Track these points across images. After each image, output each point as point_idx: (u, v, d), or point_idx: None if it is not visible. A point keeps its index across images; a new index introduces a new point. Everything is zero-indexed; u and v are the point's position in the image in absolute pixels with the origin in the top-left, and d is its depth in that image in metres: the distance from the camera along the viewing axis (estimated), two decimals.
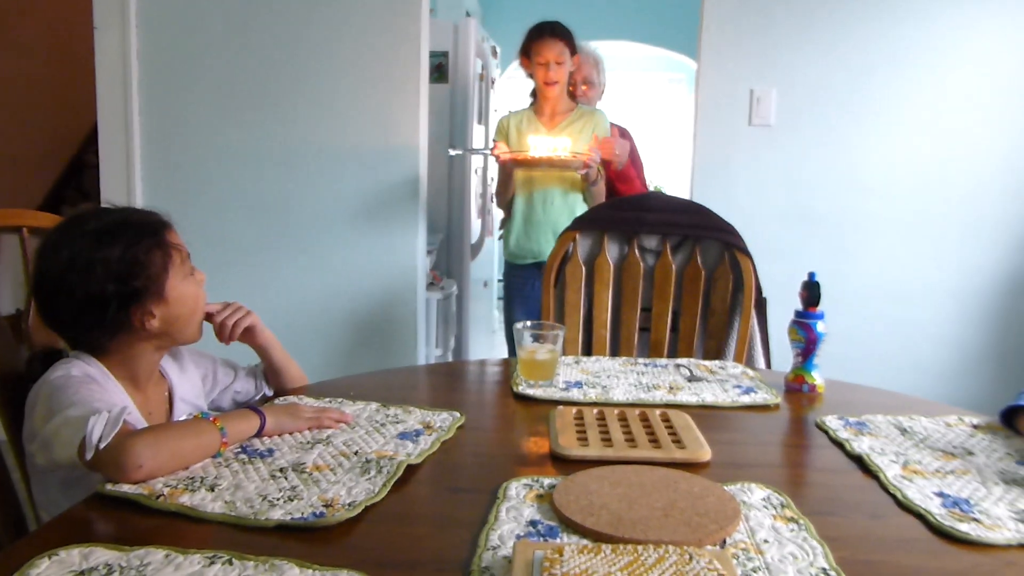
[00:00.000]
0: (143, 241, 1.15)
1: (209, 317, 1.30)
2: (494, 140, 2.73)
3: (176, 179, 2.74)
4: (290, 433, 1.14)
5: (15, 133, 4.27)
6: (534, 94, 2.78)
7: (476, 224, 3.92)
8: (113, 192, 2.68)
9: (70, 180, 4.59)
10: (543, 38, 2.63)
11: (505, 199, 2.79)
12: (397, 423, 1.20)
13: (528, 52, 2.67)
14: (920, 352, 2.76)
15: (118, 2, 2.63)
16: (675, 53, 6.11)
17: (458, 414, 1.25)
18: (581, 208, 2.65)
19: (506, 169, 2.69)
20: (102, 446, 0.96)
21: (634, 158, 2.96)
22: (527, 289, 2.76)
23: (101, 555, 0.79)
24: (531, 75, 2.71)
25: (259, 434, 1.11)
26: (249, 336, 1.34)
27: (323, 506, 0.91)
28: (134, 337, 1.17)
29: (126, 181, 2.69)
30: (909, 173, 2.70)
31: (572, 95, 2.89)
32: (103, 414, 0.98)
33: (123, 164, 2.69)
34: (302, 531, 0.86)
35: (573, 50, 2.66)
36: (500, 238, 3.05)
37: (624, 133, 2.96)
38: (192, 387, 1.31)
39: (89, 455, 0.96)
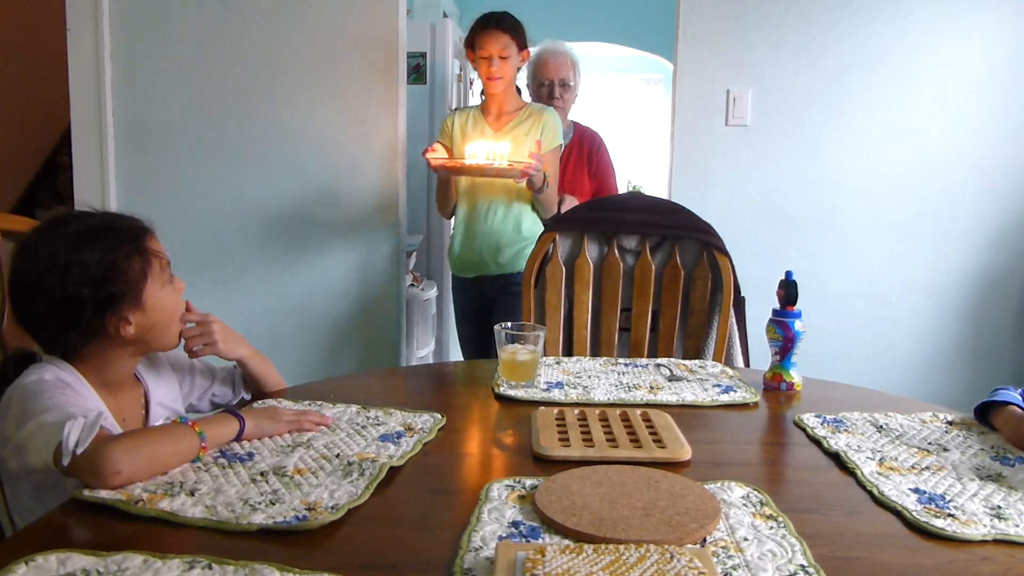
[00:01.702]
0: (123, 247, 1.14)
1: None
2: (437, 142, 2.49)
3: (151, 180, 2.71)
4: (269, 436, 1.13)
5: None
6: (484, 92, 2.57)
7: None
8: (87, 194, 2.65)
9: (43, 182, 4.53)
10: (487, 30, 2.41)
11: (447, 208, 2.58)
12: (378, 425, 1.20)
13: (472, 44, 2.46)
14: (896, 350, 2.79)
15: (90, 3, 2.60)
16: (651, 54, 6.13)
17: (439, 415, 1.25)
18: (529, 219, 2.49)
19: (440, 176, 2.46)
20: (79, 452, 0.95)
21: (606, 165, 2.88)
22: (472, 304, 2.61)
23: (78, 561, 0.78)
24: (477, 70, 2.50)
25: (238, 438, 1.11)
26: (219, 353, 1.33)
27: (305, 509, 0.90)
28: (108, 343, 1.15)
29: (100, 183, 2.66)
30: (884, 172, 2.73)
31: (550, 97, 2.83)
32: (79, 419, 0.97)
33: (97, 166, 2.66)
34: (284, 535, 0.86)
35: (521, 44, 2.46)
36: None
37: (595, 139, 2.90)
38: (169, 391, 1.30)
39: (66, 461, 0.95)
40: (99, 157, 2.65)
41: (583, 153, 2.85)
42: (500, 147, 2.30)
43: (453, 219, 2.59)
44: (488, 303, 2.56)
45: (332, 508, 0.91)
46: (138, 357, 1.23)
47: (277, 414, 1.16)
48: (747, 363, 2.05)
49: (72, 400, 1.05)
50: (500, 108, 2.50)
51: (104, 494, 0.93)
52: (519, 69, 2.53)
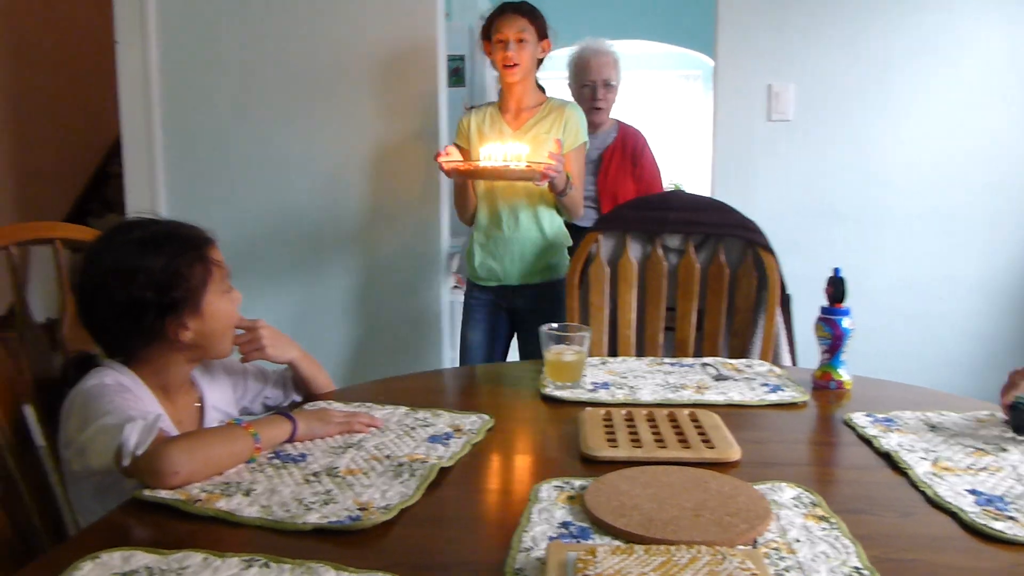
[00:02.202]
0: (186, 254, 1.18)
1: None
2: (453, 143, 2.32)
3: (199, 187, 2.77)
4: (321, 438, 1.15)
5: (39, 147, 4.33)
6: (501, 85, 2.37)
7: None
8: (137, 202, 2.72)
9: (94, 192, 4.65)
10: (503, 15, 2.25)
11: (467, 214, 2.38)
12: (427, 426, 1.21)
13: (488, 33, 2.29)
14: (947, 347, 2.73)
15: (138, 16, 2.67)
16: (690, 50, 6.08)
17: (488, 417, 1.26)
18: (554, 223, 2.33)
19: (455, 180, 2.29)
20: (139, 453, 0.97)
21: (651, 166, 2.78)
22: (486, 311, 2.41)
23: (141, 558, 0.81)
24: (493, 62, 2.32)
25: (291, 439, 1.13)
26: (268, 357, 1.35)
27: (358, 509, 0.92)
28: (167, 347, 1.19)
29: (150, 191, 2.72)
30: (931, 166, 2.67)
31: (592, 98, 2.73)
32: (138, 422, 1.00)
33: (147, 174, 2.73)
34: (338, 534, 0.88)
35: (541, 32, 2.27)
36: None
37: (639, 139, 2.82)
38: (223, 395, 1.33)
39: (126, 462, 0.98)
40: (148, 166, 2.72)
41: (626, 154, 2.77)
42: (518, 148, 2.11)
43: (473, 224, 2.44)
44: (507, 313, 2.41)
45: (384, 508, 0.92)
46: (194, 363, 1.26)
47: (328, 416, 1.18)
48: (794, 362, 2.02)
49: (132, 404, 1.08)
50: (519, 104, 2.31)
51: (164, 494, 0.96)
52: (540, 62, 2.34)
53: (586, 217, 2.54)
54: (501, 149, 2.12)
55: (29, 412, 1.22)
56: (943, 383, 2.05)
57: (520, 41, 2.22)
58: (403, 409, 1.29)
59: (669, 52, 6.33)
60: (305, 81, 2.70)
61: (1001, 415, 1.24)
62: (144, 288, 1.14)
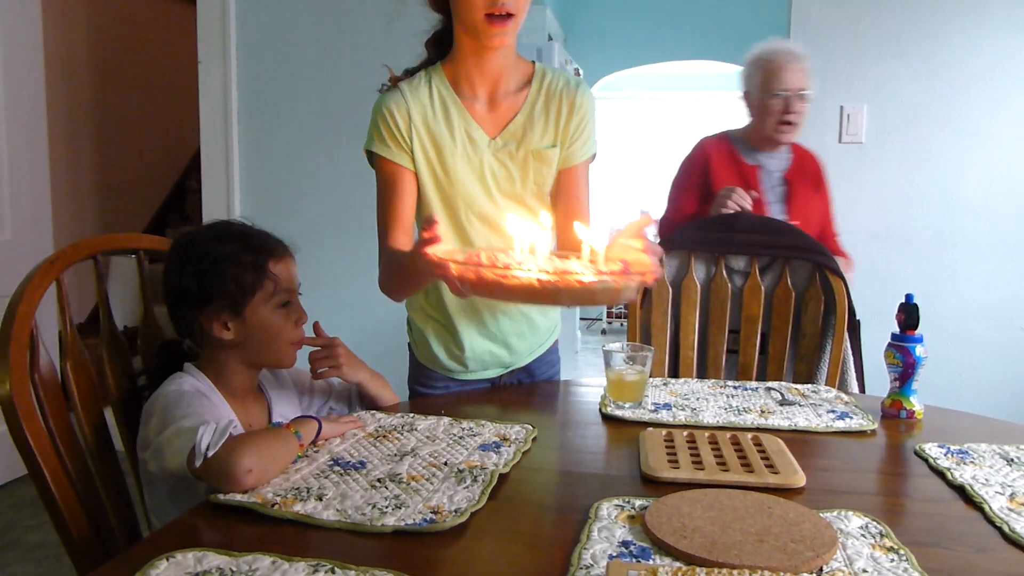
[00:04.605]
0: (241, 256, 1.21)
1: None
2: (376, 152, 1.44)
3: (272, 203, 2.86)
4: (340, 436, 1.20)
5: (122, 162, 4.53)
6: (438, 41, 1.48)
7: None
8: (213, 214, 2.82)
9: (173, 205, 4.83)
10: None
11: (408, 296, 1.55)
12: (474, 436, 1.23)
13: None
14: (998, 375, 2.63)
15: (220, 37, 2.78)
16: None
17: (531, 427, 1.26)
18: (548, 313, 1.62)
19: (448, 285, 1.12)
20: (210, 454, 1.01)
21: (828, 193, 2.31)
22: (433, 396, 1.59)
23: (213, 559, 0.83)
24: (459, 8, 1.35)
25: (316, 438, 1.17)
26: (342, 376, 1.38)
27: (431, 513, 0.94)
28: (217, 346, 1.23)
29: (226, 205, 2.83)
30: (1007, 190, 2.59)
31: (784, 111, 2.16)
32: (211, 425, 1.04)
33: (223, 189, 2.84)
34: (411, 537, 0.90)
35: None
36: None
37: (818, 163, 2.31)
38: (289, 404, 1.36)
39: (198, 463, 1.02)
40: (226, 180, 2.83)
41: (806, 176, 2.28)
42: (544, 221, 1.16)
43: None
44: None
45: (456, 512, 0.94)
46: (253, 370, 1.29)
47: (336, 419, 1.24)
48: (862, 389, 1.97)
49: (207, 409, 1.13)
50: (496, 84, 1.43)
51: (240, 497, 0.99)
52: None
53: None
54: (519, 228, 1.11)
55: (109, 416, 1.27)
56: (1019, 416, 1.98)
57: None
58: (447, 419, 1.31)
59: (733, 72, 6.26)
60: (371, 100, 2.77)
61: None
62: (190, 276, 1.20)
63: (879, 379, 1.54)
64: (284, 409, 1.34)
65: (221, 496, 0.99)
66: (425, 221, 1.12)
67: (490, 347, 1.55)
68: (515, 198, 1.46)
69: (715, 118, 7.40)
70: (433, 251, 1.10)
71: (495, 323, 1.52)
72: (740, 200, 2.04)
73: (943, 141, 2.60)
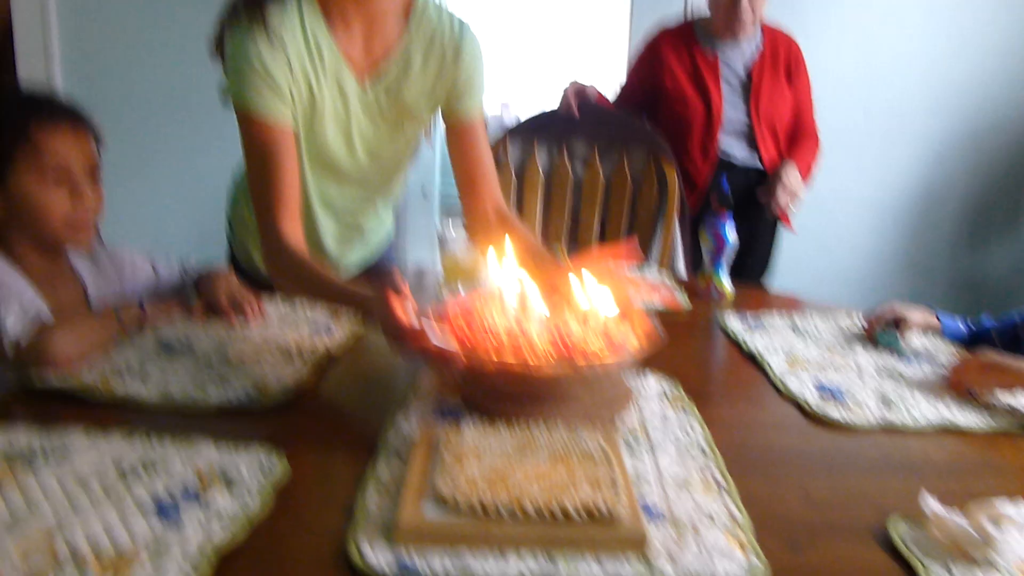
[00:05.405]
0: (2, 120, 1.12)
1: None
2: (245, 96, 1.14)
3: (97, 74, 2.63)
4: (166, 318, 1.20)
5: None
6: None
7: None
8: (30, 77, 2.57)
9: None
10: None
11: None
12: (308, 319, 1.25)
13: None
14: (839, 262, 2.89)
15: None
16: None
17: None
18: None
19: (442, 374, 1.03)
20: (22, 343, 0.98)
21: (805, 85, 2.18)
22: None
23: (23, 438, 0.82)
24: None
25: (142, 319, 1.17)
26: None
27: (256, 390, 0.97)
28: (2, 223, 1.15)
29: (44, 75, 2.58)
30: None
31: (733, 6, 2.01)
32: (18, 312, 1.00)
33: (41, 57, 2.58)
34: (237, 415, 0.92)
35: None
36: None
37: (792, 47, 2.15)
38: (108, 287, 1.27)
39: (9, 353, 0.98)
40: (43, 47, 2.57)
41: (778, 67, 2.14)
42: (598, 292, 1.01)
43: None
44: None
45: (282, 389, 0.97)
46: (42, 250, 1.18)
47: (162, 303, 1.24)
48: (690, 270, 2.10)
49: (8, 295, 1.06)
50: (374, 13, 1.20)
51: (56, 381, 0.97)
52: None
53: (740, 150, 2.11)
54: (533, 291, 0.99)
55: None
56: (833, 295, 2.18)
57: None
58: (281, 303, 1.32)
59: None
60: None
61: (860, 320, 1.35)
62: None
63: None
64: (103, 294, 1.26)
65: (36, 381, 0.97)
66: (391, 281, 0.91)
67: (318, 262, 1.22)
68: (378, 154, 1.31)
69: (575, 8, 7.35)
70: (400, 307, 0.88)
71: (325, 240, 1.41)
72: (568, 98, 2.04)
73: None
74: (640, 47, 2.22)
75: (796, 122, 2.16)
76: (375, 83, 1.23)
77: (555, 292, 1.02)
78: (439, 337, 0.87)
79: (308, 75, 1.16)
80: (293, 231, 1.12)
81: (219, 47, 1.17)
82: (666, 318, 1.37)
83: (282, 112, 1.13)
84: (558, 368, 0.88)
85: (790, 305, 1.51)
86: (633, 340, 0.96)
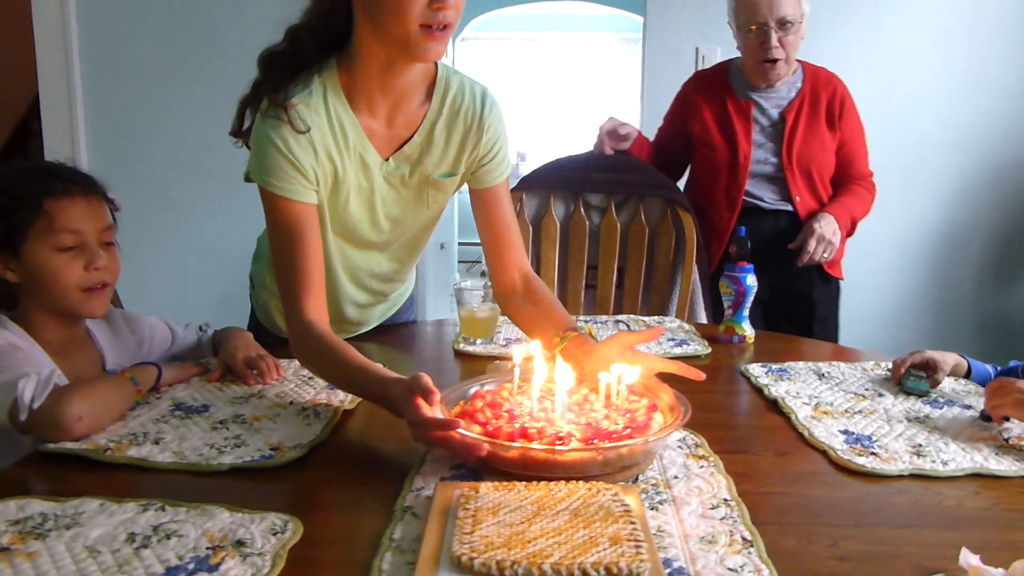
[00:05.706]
0: (16, 191, 1.14)
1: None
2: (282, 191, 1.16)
3: (121, 145, 2.71)
4: (182, 382, 1.20)
5: None
6: (319, 35, 1.19)
7: None
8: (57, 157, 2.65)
9: (15, 148, 4.49)
10: None
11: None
12: None
13: None
14: (862, 302, 2.85)
15: None
16: (626, 11, 6.08)
17: (382, 364, 1.28)
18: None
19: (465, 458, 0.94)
20: (35, 406, 0.98)
21: (855, 123, 2.09)
22: None
23: (37, 506, 0.82)
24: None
25: (158, 382, 1.17)
26: None
27: (270, 449, 0.96)
28: (23, 293, 1.16)
29: (71, 146, 2.66)
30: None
31: (761, 46, 1.96)
32: (32, 377, 1.00)
33: (67, 131, 2.66)
34: (252, 474, 0.91)
35: None
36: None
37: (838, 87, 2.07)
38: (125, 352, 1.29)
39: (23, 416, 0.98)
40: (69, 122, 2.65)
41: (817, 110, 2.04)
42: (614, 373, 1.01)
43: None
44: None
45: (296, 447, 0.96)
46: (65, 318, 1.20)
47: (179, 365, 1.24)
48: (712, 318, 2.09)
49: (22, 361, 1.07)
50: (400, 96, 1.20)
51: (70, 445, 0.96)
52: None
53: (771, 194, 2.04)
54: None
55: None
56: (856, 337, 2.15)
57: None
58: (297, 362, 1.28)
59: (606, 13, 6.30)
60: (231, 37, 2.65)
61: (886, 364, 1.32)
62: None
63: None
64: (121, 359, 1.27)
65: (51, 445, 0.96)
66: (418, 384, 0.92)
67: (338, 326, 1.38)
68: (401, 222, 1.31)
69: (590, 60, 7.49)
70: (427, 406, 0.91)
71: (347, 309, 1.41)
72: (603, 135, 2.04)
73: None
74: (677, 94, 2.20)
75: (844, 167, 2.08)
76: (398, 156, 1.23)
77: (581, 371, 1.06)
78: (462, 426, 0.89)
79: (332, 155, 1.17)
80: (318, 312, 1.13)
81: (241, 127, 1.19)
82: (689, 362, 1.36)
83: (307, 192, 1.15)
84: (581, 454, 0.87)
85: (814, 349, 1.49)
86: (659, 419, 0.96)
